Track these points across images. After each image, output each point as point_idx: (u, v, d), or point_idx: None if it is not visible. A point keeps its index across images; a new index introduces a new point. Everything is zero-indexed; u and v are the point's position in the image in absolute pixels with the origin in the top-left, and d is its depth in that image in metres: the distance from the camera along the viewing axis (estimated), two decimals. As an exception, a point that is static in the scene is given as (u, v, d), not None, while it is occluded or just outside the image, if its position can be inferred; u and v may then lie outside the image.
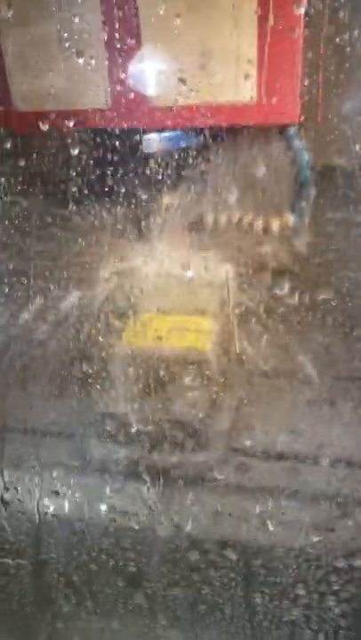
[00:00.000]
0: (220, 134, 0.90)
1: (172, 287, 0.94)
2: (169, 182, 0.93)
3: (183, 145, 0.85)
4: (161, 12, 0.74)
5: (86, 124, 0.82)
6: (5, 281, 0.95)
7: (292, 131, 0.85)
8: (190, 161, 0.92)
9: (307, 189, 0.89)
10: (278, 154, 0.95)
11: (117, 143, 0.84)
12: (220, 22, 0.73)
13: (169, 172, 0.92)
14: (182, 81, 0.77)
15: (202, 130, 0.84)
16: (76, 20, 0.76)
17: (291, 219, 0.93)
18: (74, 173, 0.86)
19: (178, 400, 0.80)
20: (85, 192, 0.89)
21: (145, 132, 0.83)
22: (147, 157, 0.85)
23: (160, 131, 0.83)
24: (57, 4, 0.76)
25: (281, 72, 0.75)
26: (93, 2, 0.75)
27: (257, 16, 0.72)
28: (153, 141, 0.83)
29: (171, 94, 0.79)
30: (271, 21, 0.72)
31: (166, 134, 0.83)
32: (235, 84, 0.77)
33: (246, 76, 0.76)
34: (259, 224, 0.97)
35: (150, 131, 0.83)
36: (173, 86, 0.78)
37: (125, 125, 0.82)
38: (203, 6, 0.73)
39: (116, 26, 0.76)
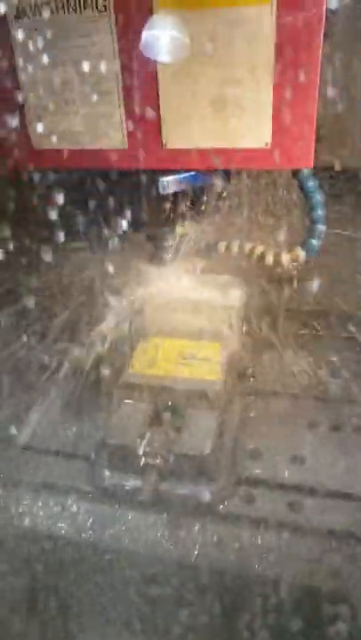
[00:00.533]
0: (235, 173, 0.92)
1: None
2: (184, 216, 0.95)
3: (198, 184, 0.86)
4: (178, 60, 0.74)
5: (103, 164, 0.83)
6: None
7: (306, 172, 0.86)
8: (205, 198, 0.94)
9: (319, 228, 0.91)
10: (291, 192, 0.96)
11: (134, 181, 0.86)
12: (236, 68, 0.74)
13: (183, 207, 0.93)
14: (198, 125, 0.78)
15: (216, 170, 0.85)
16: (94, 64, 0.77)
17: (302, 255, 0.94)
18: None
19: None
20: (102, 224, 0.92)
21: (161, 172, 0.84)
22: (162, 196, 0.86)
23: (175, 172, 0.84)
24: (76, 49, 0.77)
25: (296, 118, 0.75)
26: (111, 46, 0.76)
27: (274, 63, 0.72)
28: (168, 182, 0.84)
29: (186, 139, 0.80)
30: (288, 68, 0.73)
31: (181, 175, 0.84)
32: (250, 129, 0.77)
33: (262, 122, 0.76)
34: (269, 257, 0.98)
35: (166, 171, 0.84)
36: (189, 131, 0.79)
37: (141, 167, 0.83)
38: (220, 52, 0.73)
39: (134, 69, 0.77)
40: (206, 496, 0.77)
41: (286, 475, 0.81)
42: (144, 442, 0.78)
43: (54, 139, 0.84)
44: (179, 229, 0.98)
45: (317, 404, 0.94)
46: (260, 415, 0.92)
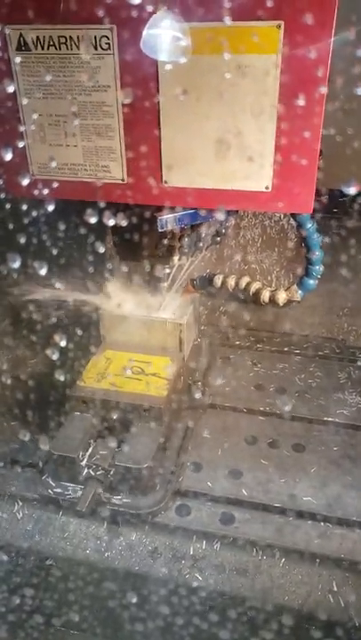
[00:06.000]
0: (233, 212, 0.91)
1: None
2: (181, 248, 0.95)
3: (196, 221, 0.86)
4: (180, 98, 0.74)
5: (102, 197, 0.82)
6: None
7: (305, 215, 0.86)
8: (202, 234, 0.93)
9: (316, 269, 0.90)
10: (289, 233, 0.96)
11: (134, 216, 0.86)
12: (240, 113, 0.73)
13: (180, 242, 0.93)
14: (199, 165, 0.78)
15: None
16: (97, 99, 0.76)
17: (298, 294, 0.94)
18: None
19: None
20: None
21: (159, 208, 0.83)
22: (161, 233, 0.86)
23: (173, 209, 0.84)
24: (77, 85, 0.76)
25: (298, 164, 0.75)
26: (114, 83, 0.75)
27: (276, 108, 0.72)
28: (167, 220, 0.83)
29: (186, 177, 0.79)
30: (290, 114, 0.72)
31: (180, 213, 0.84)
32: (250, 172, 0.77)
33: (263, 166, 0.76)
34: (265, 294, 0.98)
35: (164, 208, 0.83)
36: (189, 170, 0.78)
37: (140, 202, 0.82)
38: (224, 96, 0.73)
39: (136, 107, 0.76)
40: (143, 507, 0.80)
41: (222, 488, 0.85)
42: (87, 453, 0.82)
43: (54, 169, 0.83)
44: (175, 260, 0.98)
45: (260, 420, 0.98)
46: (204, 430, 0.95)
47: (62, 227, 0.88)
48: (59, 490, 0.83)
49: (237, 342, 1.16)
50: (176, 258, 0.94)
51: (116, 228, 0.86)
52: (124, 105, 0.76)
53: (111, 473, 0.81)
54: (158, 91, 0.74)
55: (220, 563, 0.76)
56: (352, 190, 0.70)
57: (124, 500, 0.81)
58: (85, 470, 0.81)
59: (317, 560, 0.75)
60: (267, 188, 0.77)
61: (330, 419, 0.96)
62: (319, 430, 0.95)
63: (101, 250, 0.94)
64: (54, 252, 0.93)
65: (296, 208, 0.79)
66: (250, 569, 0.75)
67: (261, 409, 0.99)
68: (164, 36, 0.68)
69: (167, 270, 0.98)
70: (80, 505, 0.77)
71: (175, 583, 0.75)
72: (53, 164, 0.83)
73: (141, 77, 0.74)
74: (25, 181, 0.84)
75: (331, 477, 0.86)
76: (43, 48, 0.75)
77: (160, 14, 0.68)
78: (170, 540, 0.79)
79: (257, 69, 0.70)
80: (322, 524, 0.79)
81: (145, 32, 0.68)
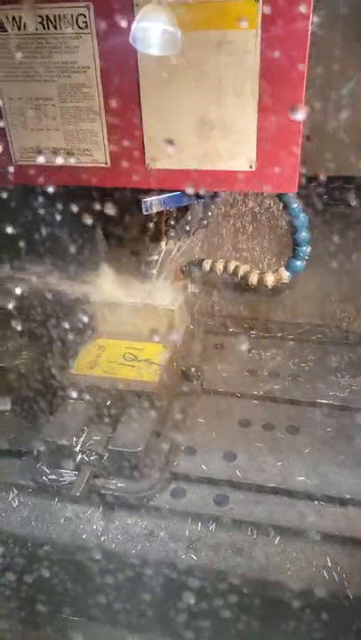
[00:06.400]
0: (219, 193, 0.91)
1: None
2: (168, 233, 0.94)
3: (181, 204, 0.85)
4: (162, 79, 0.73)
5: (86, 181, 0.81)
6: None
7: (290, 194, 0.85)
8: (188, 216, 0.92)
9: (303, 250, 0.90)
10: (275, 214, 0.95)
11: (118, 199, 0.85)
12: (221, 91, 0.72)
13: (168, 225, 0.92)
14: (182, 146, 0.77)
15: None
16: (77, 81, 0.75)
17: (286, 275, 0.94)
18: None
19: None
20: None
21: (144, 191, 0.82)
22: (146, 215, 0.85)
23: (159, 191, 0.83)
24: (57, 65, 0.75)
25: (281, 142, 0.74)
26: (93, 64, 0.74)
27: (259, 87, 0.71)
28: (151, 202, 0.82)
29: (169, 158, 0.78)
30: (272, 92, 0.72)
31: (164, 195, 0.83)
32: (234, 152, 0.76)
33: (246, 145, 0.75)
34: (254, 277, 0.97)
35: (149, 190, 0.83)
36: (172, 151, 0.78)
37: (124, 185, 0.81)
38: (204, 75, 0.72)
39: (117, 89, 0.75)
40: (137, 491, 0.81)
41: (216, 470, 0.85)
42: (81, 440, 0.82)
43: (36, 155, 0.82)
44: (163, 245, 0.97)
45: (254, 403, 0.99)
46: (198, 414, 0.96)
47: (46, 213, 0.87)
48: (53, 477, 0.82)
49: (231, 329, 1.16)
50: (163, 243, 0.94)
51: (101, 213, 0.85)
52: (104, 86, 0.75)
53: (105, 458, 0.81)
54: (138, 71, 0.73)
55: (215, 543, 0.76)
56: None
57: (119, 485, 0.81)
58: (79, 456, 0.81)
59: (311, 537, 0.75)
60: (251, 167, 0.76)
61: (323, 401, 0.96)
62: (312, 412, 0.95)
63: (87, 236, 0.93)
64: (39, 239, 0.92)
65: (281, 188, 0.79)
66: (245, 548, 0.75)
67: (255, 393, 0.99)
68: (154, 30, 0.68)
69: (155, 257, 0.97)
70: (74, 490, 0.77)
71: (172, 564, 0.75)
72: (35, 149, 0.82)
73: (121, 57, 0.73)
74: (7, 167, 0.83)
75: (324, 458, 0.86)
76: (19, 29, 0.74)
77: (149, 7, 0.67)
78: (165, 523, 0.79)
79: (237, 45, 0.69)
80: (316, 502, 0.79)
81: (134, 25, 0.67)
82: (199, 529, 0.78)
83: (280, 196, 0.86)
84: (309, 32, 0.67)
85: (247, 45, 0.69)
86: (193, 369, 1.00)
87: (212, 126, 0.75)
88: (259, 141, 0.75)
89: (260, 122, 0.74)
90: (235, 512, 0.79)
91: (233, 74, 0.71)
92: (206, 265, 1.01)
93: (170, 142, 0.77)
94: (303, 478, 0.82)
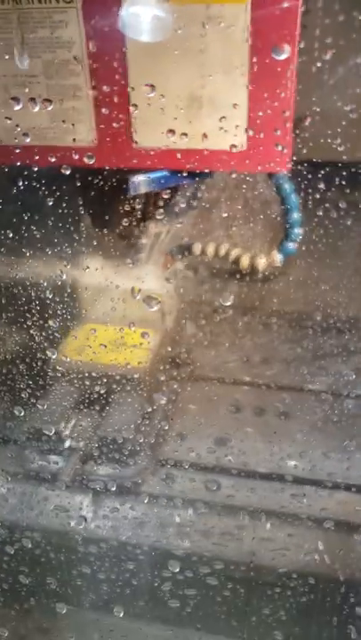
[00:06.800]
0: (209, 174, 0.89)
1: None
2: (157, 215, 0.92)
3: (170, 184, 0.83)
4: (150, 56, 0.71)
5: (72, 161, 0.79)
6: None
7: (282, 174, 0.84)
8: (177, 198, 0.91)
9: (295, 231, 0.89)
10: (267, 195, 0.94)
11: (105, 180, 0.83)
12: (210, 69, 0.71)
13: (156, 207, 0.90)
14: (170, 126, 0.75)
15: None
16: (63, 57, 0.73)
17: (278, 258, 0.92)
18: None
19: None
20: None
21: (133, 171, 0.81)
22: (134, 196, 0.83)
23: (147, 171, 0.81)
24: (43, 41, 0.73)
25: (272, 120, 0.73)
26: (80, 38, 0.72)
27: (249, 64, 0.69)
28: (139, 182, 0.81)
29: (158, 137, 0.76)
30: (263, 68, 0.70)
31: (153, 175, 0.81)
32: (224, 131, 0.74)
33: (236, 124, 0.74)
34: (245, 260, 0.96)
35: (137, 171, 0.81)
36: (161, 130, 0.76)
37: (111, 165, 0.80)
38: (193, 52, 0.70)
39: (104, 65, 0.73)
40: (127, 477, 0.80)
41: (206, 456, 0.84)
42: (70, 425, 0.82)
43: (20, 134, 0.80)
44: (152, 228, 0.95)
45: (245, 389, 0.97)
46: (188, 399, 0.95)
47: (30, 195, 0.85)
48: (42, 463, 0.81)
49: (222, 314, 1.15)
50: (152, 225, 0.92)
51: (87, 195, 0.84)
52: (90, 62, 0.73)
53: (94, 444, 0.80)
54: (126, 46, 0.71)
55: (206, 528, 0.75)
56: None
57: (108, 471, 0.80)
58: (68, 442, 0.80)
59: (302, 521, 0.75)
60: (241, 146, 0.75)
61: (314, 387, 0.96)
62: (303, 398, 0.95)
63: (73, 219, 0.91)
64: (24, 224, 0.90)
65: (272, 167, 0.77)
66: (235, 533, 0.75)
67: (247, 379, 0.98)
68: (144, 16, 0.66)
69: (144, 240, 0.96)
70: (63, 476, 0.76)
71: (163, 550, 0.74)
72: (19, 129, 0.79)
73: (108, 32, 0.71)
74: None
75: (315, 442, 0.86)
76: (2, 3, 0.71)
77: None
78: (155, 509, 0.78)
79: (226, 20, 0.67)
80: (307, 486, 0.79)
81: (123, 11, 0.65)
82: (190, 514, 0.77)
83: (271, 176, 0.85)
84: (301, 5, 0.66)
85: (237, 19, 0.67)
86: (182, 353, 0.99)
87: (201, 104, 0.73)
88: (249, 120, 0.73)
89: (250, 100, 0.72)
90: (226, 497, 0.79)
91: (222, 50, 0.69)
92: (197, 248, 1.00)
93: (158, 121, 0.75)
94: (295, 462, 0.82)
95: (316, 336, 1.07)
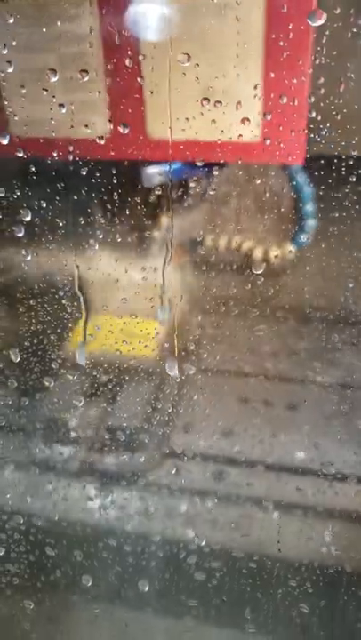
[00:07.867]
0: (223, 165, 0.89)
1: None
2: (170, 207, 0.92)
3: (184, 176, 0.83)
4: (164, 48, 0.71)
5: (87, 153, 0.80)
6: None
7: (295, 166, 0.83)
8: (191, 190, 0.91)
9: (308, 223, 0.88)
10: (281, 187, 0.93)
11: (119, 171, 0.83)
12: (225, 60, 0.70)
13: (169, 199, 0.90)
14: (184, 115, 0.75)
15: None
16: (78, 50, 0.73)
17: (290, 249, 0.92)
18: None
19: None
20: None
21: (146, 163, 0.81)
22: (148, 188, 0.83)
23: (161, 163, 0.81)
24: (59, 35, 0.73)
25: (287, 112, 0.72)
26: (95, 31, 0.72)
27: (264, 56, 0.69)
28: (152, 174, 0.81)
29: (173, 129, 0.76)
30: (278, 57, 0.69)
31: (167, 166, 0.81)
32: (239, 122, 0.74)
33: (251, 116, 0.73)
34: (257, 252, 0.96)
35: (151, 163, 0.81)
36: (176, 121, 0.76)
37: (125, 157, 0.80)
38: (208, 44, 0.70)
39: (118, 57, 0.73)
40: (134, 467, 0.82)
41: (213, 447, 0.85)
42: (77, 415, 0.83)
43: (34, 126, 0.80)
44: (164, 220, 0.95)
45: (253, 381, 0.98)
46: (195, 390, 0.94)
47: (42, 187, 0.86)
48: (49, 452, 0.82)
49: (230, 306, 1.15)
50: (165, 217, 0.92)
51: (100, 187, 0.84)
52: (105, 55, 0.73)
53: (101, 433, 0.81)
54: (140, 38, 0.71)
55: (213, 519, 0.76)
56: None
57: (115, 460, 0.81)
58: (75, 432, 0.81)
59: (311, 512, 0.75)
60: (256, 137, 0.75)
61: (323, 379, 0.96)
62: (312, 390, 0.95)
63: (85, 211, 0.92)
64: (36, 215, 0.91)
65: (287, 159, 0.77)
66: (243, 523, 0.75)
67: (254, 371, 0.98)
68: (152, 14, 0.67)
69: (156, 233, 0.96)
70: (70, 465, 0.77)
71: (170, 540, 0.75)
72: (33, 121, 0.80)
73: (122, 24, 0.71)
74: (4, 141, 0.81)
75: (323, 434, 0.86)
76: (17, -6, 0.71)
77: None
78: (162, 499, 0.79)
79: (241, 8, 0.67)
80: (315, 477, 0.79)
81: (132, 9, 0.66)
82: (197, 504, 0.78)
83: (284, 167, 0.85)
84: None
85: (251, 11, 0.67)
86: (190, 345, 0.99)
87: (216, 94, 0.73)
88: (264, 111, 0.73)
89: (265, 91, 0.72)
90: (233, 487, 0.79)
91: (237, 38, 0.69)
92: (208, 241, 1.00)
93: (174, 112, 0.75)
94: (302, 454, 0.82)
95: (330, 329, 1.06)
